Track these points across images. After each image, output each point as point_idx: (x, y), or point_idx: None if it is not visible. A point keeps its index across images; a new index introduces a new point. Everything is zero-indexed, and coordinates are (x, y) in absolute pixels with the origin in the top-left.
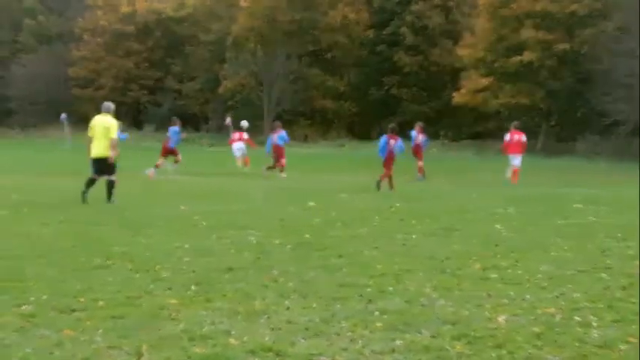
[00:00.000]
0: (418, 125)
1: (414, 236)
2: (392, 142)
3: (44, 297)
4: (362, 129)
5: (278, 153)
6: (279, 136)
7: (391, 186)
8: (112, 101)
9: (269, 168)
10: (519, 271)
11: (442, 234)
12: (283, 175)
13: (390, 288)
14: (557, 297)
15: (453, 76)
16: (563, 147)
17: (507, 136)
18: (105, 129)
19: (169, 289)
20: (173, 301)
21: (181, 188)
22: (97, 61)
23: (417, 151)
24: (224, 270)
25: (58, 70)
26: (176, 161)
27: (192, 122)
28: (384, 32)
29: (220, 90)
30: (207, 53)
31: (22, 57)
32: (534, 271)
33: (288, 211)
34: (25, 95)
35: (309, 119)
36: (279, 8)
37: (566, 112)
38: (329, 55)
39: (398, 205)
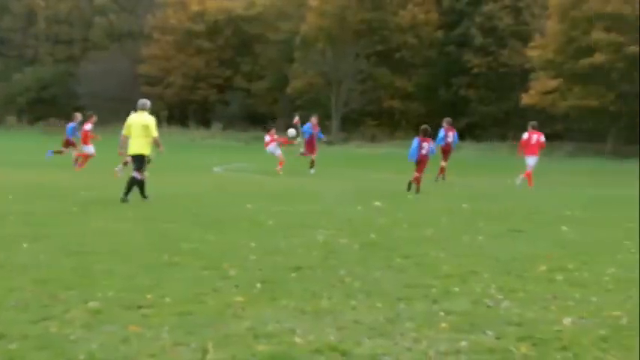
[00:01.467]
0: (446, 122)
1: (480, 237)
2: (424, 144)
3: (111, 293)
4: (431, 130)
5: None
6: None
7: (409, 188)
8: (181, 99)
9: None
10: (586, 274)
11: (509, 235)
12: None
13: (456, 289)
14: (624, 300)
15: (522, 77)
16: (631, 149)
17: (525, 135)
18: (143, 127)
19: (236, 286)
20: (239, 298)
21: (247, 188)
22: (166, 59)
23: (446, 151)
24: (291, 269)
25: (127, 68)
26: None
27: (260, 121)
28: (454, 33)
29: (289, 89)
30: (276, 52)
31: (92, 54)
32: (601, 274)
33: (355, 210)
34: (94, 92)
35: (377, 119)
36: (349, 8)
37: (635, 115)
38: (398, 56)
39: (465, 206)
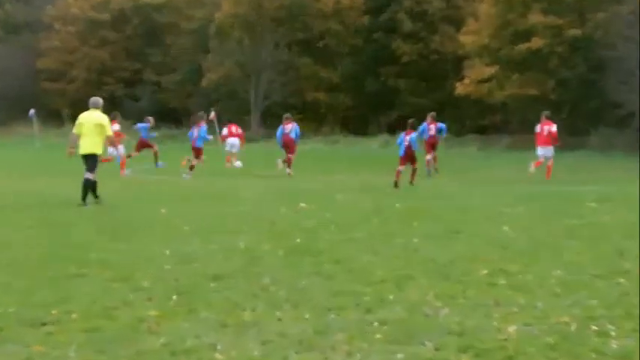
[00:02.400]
0: (430, 116)
1: (415, 239)
2: (407, 137)
3: (11, 309)
4: (357, 124)
5: (290, 145)
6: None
7: (412, 181)
8: (85, 95)
9: (284, 161)
10: (530, 277)
11: (445, 236)
12: (288, 170)
13: (390, 296)
14: (571, 305)
15: (456, 65)
16: (575, 141)
17: (538, 127)
18: (96, 126)
19: (150, 299)
20: (153, 312)
21: (161, 189)
22: (69, 51)
23: (432, 144)
24: (209, 278)
25: (25, 63)
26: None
27: (172, 117)
28: (381, 18)
29: (204, 82)
30: (189, 42)
31: None
32: (546, 277)
33: (279, 213)
34: None
35: (300, 113)
36: None
37: (578, 103)
38: (321, 44)
39: (398, 205)
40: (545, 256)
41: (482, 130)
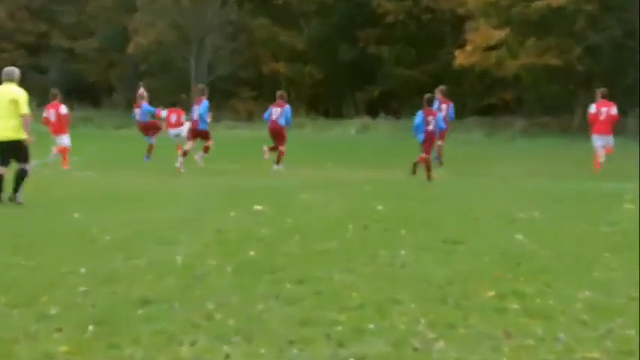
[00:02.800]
0: (439, 91)
1: (402, 252)
2: (430, 118)
3: None
4: (329, 103)
5: (278, 135)
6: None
7: (414, 171)
8: None
9: (270, 149)
10: (550, 300)
11: (443, 248)
12: (276, 167)
13: (370, 325)
14: (602, 335)
15: (455, 27)
16: None
17: (593, 108)
18: (10, 103)
19: (59, 330)
20: (63, 347)
21: (74, 189)
22: None
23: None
24: (137, 303)
25: None
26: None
27: (90, 94)
28: None
29: (130, 49)
30: None
31: None
32: (571, 300)
33: (227, 218)
34: None
35: (255, 90)
36: None
37: (611, 77)
38: (280, 0)
39: (380, 208)
40: (570, 273)
41: (489, 111)
